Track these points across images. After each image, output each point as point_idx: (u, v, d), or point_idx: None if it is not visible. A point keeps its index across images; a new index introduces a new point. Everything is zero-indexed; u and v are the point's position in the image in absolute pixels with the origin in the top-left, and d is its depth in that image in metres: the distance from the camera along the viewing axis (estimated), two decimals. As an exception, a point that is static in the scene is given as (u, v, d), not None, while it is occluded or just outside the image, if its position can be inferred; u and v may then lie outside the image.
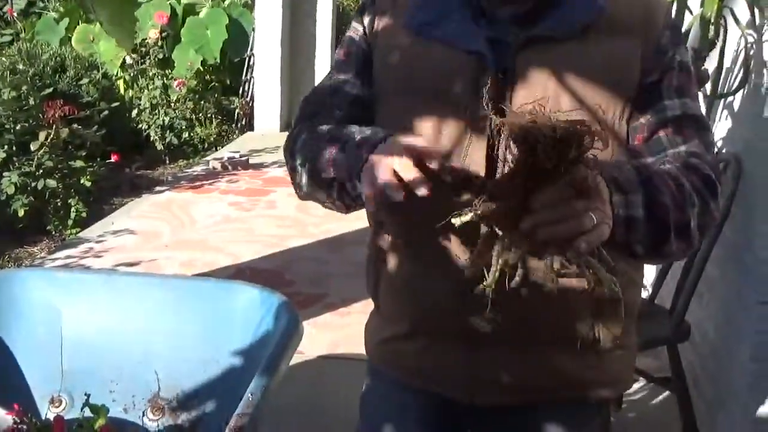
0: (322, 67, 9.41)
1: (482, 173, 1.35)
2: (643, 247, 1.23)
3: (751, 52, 2.63)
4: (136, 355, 2.23)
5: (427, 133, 1.39)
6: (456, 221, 1.10)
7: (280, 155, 7.68)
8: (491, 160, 1.35)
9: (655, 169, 1.28)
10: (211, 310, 2.24)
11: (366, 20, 1.52)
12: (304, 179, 1.45)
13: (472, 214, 1.08)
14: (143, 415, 2.18)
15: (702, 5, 2.53)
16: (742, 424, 2.60)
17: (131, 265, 4.90)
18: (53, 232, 5.63)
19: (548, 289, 1.16)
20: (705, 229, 1.31)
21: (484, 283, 1.11)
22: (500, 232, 1.08)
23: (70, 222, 5.62)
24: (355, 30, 1.54)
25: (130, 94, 8.24)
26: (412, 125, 1.42)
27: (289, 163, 1.54)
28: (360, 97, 1.51)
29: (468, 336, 1.43)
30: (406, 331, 1.53)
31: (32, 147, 5.53)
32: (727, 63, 2.79)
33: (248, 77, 9.36)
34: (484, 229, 1.12)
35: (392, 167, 1.21)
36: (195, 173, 7.28)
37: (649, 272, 3.31)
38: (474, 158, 1.36)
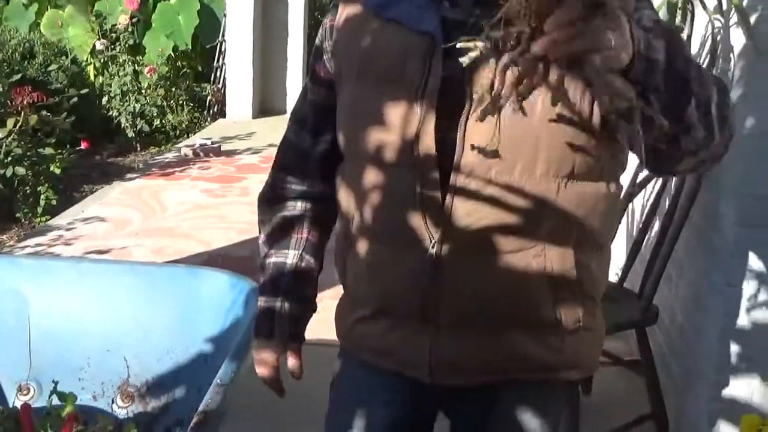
0: (294, 53, 9.40)
1: (433, 154, 1.36)
2: (660, 101, 1.15)
3: (719, 38, 2.64)
4: (105, 343, 2.22)
5: (379, 114, 1.40)
6: (464, 60, 1.05)
7: (252, 142, 7.65)
8: (441, 142, 1.36)
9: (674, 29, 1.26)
10: (180, 297, 2.24)
11: (329, 22, 1.53)
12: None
13: (482, 44, 1.03)
14: (112, 403, 2.18)
15: (669, -10, 2.55)
16: (709, 405, 2.63)
17: (101, 252, 4.87)
18: (22, 220, 5.59)
19: (510, 271, 1.17)
20: (725, 126, 1.25)
21: (487, 104, 1.05)
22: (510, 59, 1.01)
23: (39, 209, 5.58)
24: (322, 33, 1.55)
25: (101, 81, 8.19)
26: (366, 108, 1.43)
27: (258, 214, 1.73)
28: (325, 104, 1.56)
29: (430, 317, 1.44)
30: (371, 313, 1.54)
31: (0, 134, 5.47)
32: (694, 49, 2.81)
33: (220, 63, 9.32)
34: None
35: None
36: (166, 160, 7.25)
37: (619, 256, 3.34)
38: (425, 140, 1.36)
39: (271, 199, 1.68)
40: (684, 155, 1.25)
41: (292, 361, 1.61)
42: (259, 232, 1.70)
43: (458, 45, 1.05)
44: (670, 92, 1.16)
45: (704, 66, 2.65)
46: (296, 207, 1.65)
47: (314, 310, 1.68)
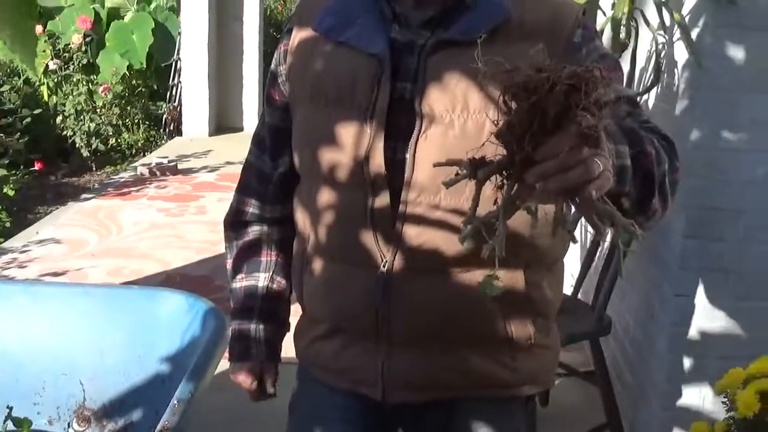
0: (250, 70, 9.40)
1: (383, 173, 1.38)
2: (630, 201, 1.21)
3: (663, 53, 2.71)
4: (60, 366, 2.20)
5: (331, 135, 1.43)
6: (447, 181, 1.05)
7: (209, 160, 7.60)
8: (391, 162, 1.39)
9: (631, 125, 1.28)
10: (136, 318, 2.23)
11: (283, 47, 1.55)
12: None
13: (467, 171, 1.03)
14: (69, 427, 2.16)
15: (613, 7, 2.60)
16: (661, 414, 2.68)
17: (57, 274, 4.82)
18: (-25, 243, 5.51)
19: (461, 290, 1.18)
20: (675, 187, 1.30)
21: (492, 241, 1.04)
22: (500, 189, 1.03)
23: (-7, 232, 5.51)
24: (276, 58, 1.58)
25: (54, 101, 8.11)
26: (319, 129, 1.46)
27: (225, 239, 1.73)
28: (282, 126, 1.58)
29: (382, 335, 1.46)
30: (326, 331, 1.55)
31: (-48, 156, 5.41)
32: (640, 63, 2.87)
33: (176, 82, 9.28)
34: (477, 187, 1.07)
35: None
36: (122, 180, 7.20)
37: (573, 267, 3.38)
38: (375, 160, 1.39)
39: (236, 222, 1.69)
40: (647, 219, 1.29)
41: (268, 384, 1.68)
42: (227, 257, 1.72)
43: (443, 183, 1.06)
44: (638, 190, 1.21)
45: (648, 81, 2.71)
46: (262, 231, 1.67)
47: (288, 329, 1.71)
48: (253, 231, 1.68)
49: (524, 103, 0.95)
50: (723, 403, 1.63)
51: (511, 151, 0.99)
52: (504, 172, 1.01)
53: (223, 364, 1.96)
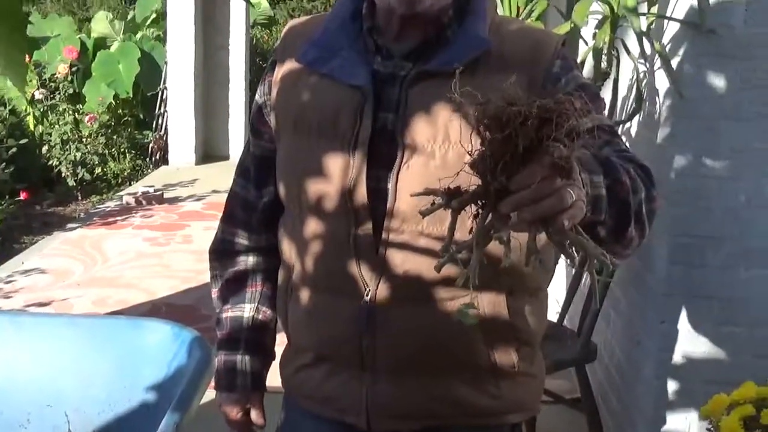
0: (236, 99, 9.42)
1: (366, 203, 1.39)
2: (605, 230, 1.22)
3: (644, 82, 2.74)
4: (45, 397, 2.18)
5: (314, 166, 1.44)
6: (423, 211, 1.07)
7: (195, 189, 7.58)
8: (375, 191, 1.40)
9: (608, 155, 1.29)
10: (121, 349, 2.21)
11: (268, 78, 1.57)
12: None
13: (444, 200, 1.04)
14: (54, 458, 2.14)
15: (594, 37, 2.63)
16: (648, 440, 2.68)
17: (42, 305, 4.80)
18: (-40, 274, 5.48)
19: (444, 318, 1.19)
20: (653, 216, 1.30)
21: (466, 271, 1.04)
22: (476, 218, 1.04)
23: (-23, 262, 5.48)
24: (261, 89, 1.59)
25: (40, 130, 8.10)
26: (303, 160, 1.47)
27: (210, 269, 1.73)
28: (267, 156, 1.59)
29: (367, 364, 1.46)
30: (311, 360, 1.56)
31: (-63, 187, 5.39)
32: (622, 92, 2.90)
33: (162, 111, 9.29)
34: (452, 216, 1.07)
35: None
36: (108, 209, 7.18)
37: (558, 293, 3.39)
38: (358, 190, 1.40)
39: (221, 252, 1.70)
40: (623, 249, 1.30)
41: (254, 413, 1.67)
42: (212, 287, 1.72)
43: (420, 212, 1.07)
44: (613, 219, 1.21)
45: (630, 109, 2.74)
46: (248, 261, 1.68)
47: (274, 358, 1.72)
48: (239, 261, 1.68)
49: (497, 135, 0.97)
50: (708, 429, 1.64)
51: (485, 182, 1.01)
52: (479, 201, 1.03)
53: (209, 394, 1.95)
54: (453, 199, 1.04)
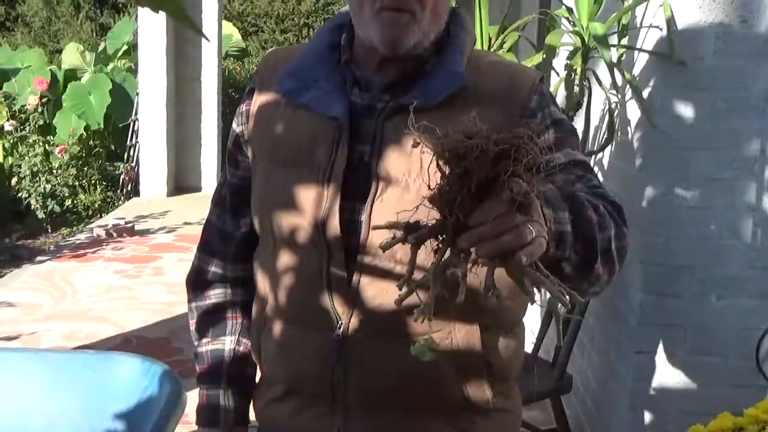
0: (208, 131, 9.40)
1: (339, 235, 1.38)
2: (571, 266, 1.20)
3: (616, 113, 2.76)
4: (12, 434, 2.14)
5: (288, 197, 1.43)
6: (383, 245, 1.05)
7: (166, 221, 7.53)
8: (349, 224, 1.38)
9: (575, 190, 1.28)
10: (91, 383, 2.18)
11: (244, 107, 1.56)
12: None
13: (402, 235, 1.03)
14: (19, 498, 2.09)
15: (566, 68, 2.65)
16: (624, 471, 2.67)
17: (10, 339, 4.72)
18: (-74, 308, 5.39)
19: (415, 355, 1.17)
20: (623, 253, 1.28)
21: (423, 305, 1.03)
22: (434, 252, 1.03)
23: (-56, 296, 5.40)
24: (237, 119, 1.58)
25: (10, 162, 8.03)
26: (277, 191, 1.45)
27: (187, 300, 1.71)
28: (243, 186, 1.57)
29: (338, 398, 1.44)
30: (281, 393, 1.53)
31: None
32: (594, 122, 2.92)
33: (133, 142, 9.26)
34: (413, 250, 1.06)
35: None
36: (78, 241, 7.11)
37: (533, 324, 3.39)
38: (332, 222, 1.39)
39: (198, 282, 1.67)
40: (590, 285, 1.28)
41: None
42: (190, 318, 1.69)
43: (380, 246, 1.06)
44: (579, 255, 1.19)
45: (602, 139, 2.76)
46: (226, 292, 1.65)
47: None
48: (216, 293, 1.66)
49: (455, 169, 0.96)
50: (684, 460, 1.63)
51: (444, 216, 0.99)
52: (438, 236, 1.01)
53: (180, 429, 1.92)
54: (411, 233, 1.03)
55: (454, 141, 0.95)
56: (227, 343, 1.65)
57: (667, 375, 2.59)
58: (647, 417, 2.63)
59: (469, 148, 0.94)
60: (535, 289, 1.01)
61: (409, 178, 1.36)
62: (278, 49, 1.62)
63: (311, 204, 1.40)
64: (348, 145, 1.39)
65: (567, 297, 1.02)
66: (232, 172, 1.61)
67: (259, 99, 1.53)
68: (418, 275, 1.05)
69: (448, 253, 1.01)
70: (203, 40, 9.05)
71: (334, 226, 1.38)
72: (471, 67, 1.44)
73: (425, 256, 1.32)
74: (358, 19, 1.42)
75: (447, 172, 0.98)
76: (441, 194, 0.99)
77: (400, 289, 1.05)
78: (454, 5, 1.52)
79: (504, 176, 0.95)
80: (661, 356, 2.58)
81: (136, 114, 9.19)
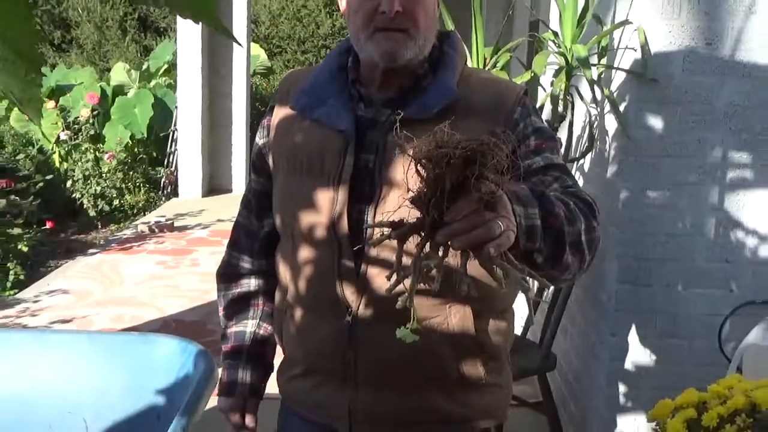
0: (238, 139, 9.41)
1: (348, 233, 1.39)
2: (542, 256, 1.19)
3: (595, 124, 2.75)
4: (65, 405, 2.15)
5: (304, 200, 1.44)
6: (373, 241, 1.06)
7: (202, 218, 7.54)
8: (357, 223, 1.39)
9: (544, 189, 1.28)
10: (134, 361, 2.18)
11: (266, 122, 1.57)
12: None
13: (388, 232, 1.04)
14: (73, 461, 2.10)
15: (552, 85, 2.64)
16: (602, 439, 2.66)
17: (65, 321, 4.74)
18: (-8, 294, 5.42)
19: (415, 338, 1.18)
20: (593, 244, 1.28)
21: (404, 295, 1.03)
22: (415, 247, 1.03)
23: (8, 284, 5.42)
24: (260, 132, 1.59)
25: (65, 167, 8.06)
26: (294, 195, 1.46)
27: (217, 289, 1.72)
28: (265, 191, 1.59)
29: (349, 376, 1.45)
30: (301, 371, 1.54)
31: (-29, 217, 5.34)
32: (576, 132, 2.91)
33: (172, 149, 9.27)
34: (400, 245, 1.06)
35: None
36: (124, 236, 7.13)
37: (521, 310, 3.38)
38: (341, 222, 1.39)
39: (227, 275, 1.69)
40: (562, 272, 1.27)
41: (248, 418, 1.66)
42: (219, 305, 1.71)
43: (369, 244, 1.08)
44: (549, 247, 1.19)
45: (583, 147, 2.75)
46: (250, 284, 1.67)
47: (272, 369, 1.71)
48: (243, 283, 1.67)
49: (431, 173, 0.97)
50: (654, 429, 1.62)
51: (423, 215, 1.00)
52: (419, 232, 1.02)
53: (212, 401, 1.93)
54: (395, 230, 1.03)
55: (428, 149, 0.96)
56: (249, 326, 1.66)
57: (639, 355, 2.58)
58: (622, 391, 2.62)
59: (441, 155, 0.95)
60: (503, 276, 1.01)
61: (409, 182, 1.36)
62: (294, 71, 1.63)
63: (324, 206, 1.40)
64: (354, 155, 1.40)
65: (528, 284, 1.03)
66: (256, 179, 1.62)
67: (278, 114, 1.54)
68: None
69: (428, 246, 1.02)
70: (234, 58, 9.07)
71: (344, 225, 1.39)
72: (463, 82, 1.43)
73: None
74: (358, 43, 1.42)
75: (425, 176, 0.98)
76: (420, 196, 1.00)
77: (389, 280, 1.05)
78: (452, 29, 1.52)
79: (472, 178, 0.95)
80: (634, 339, 2.57)
81: (174, 125, 9.20)
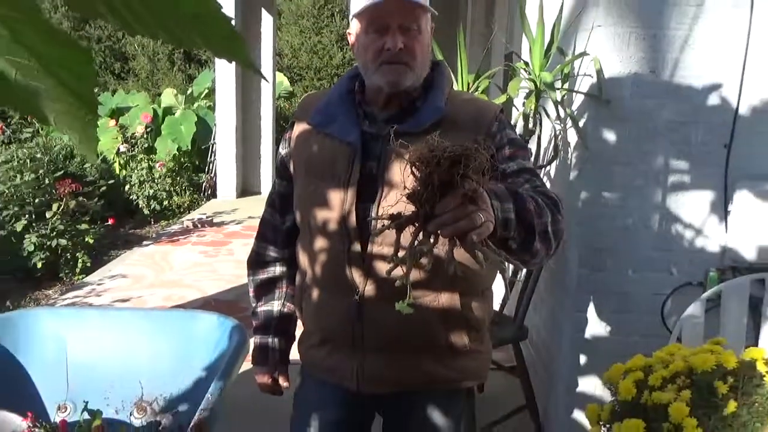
0: (266, 151, 9.40)
1: (355, 227, 1.38)
2: (516, 243, 1.19)
3: (560, 137, 2.74)
4: (124, 370, 2.15)
5: (319, 200, 1.44)
6: (375, 231, 1.06)
7: (236, 215, 7.54)
8: (362, 218, 1.40)
9: (518, 188, 1.28)
10: (180, 333, 2.19)
11: (288, 135, 1.57)
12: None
13: (388, 223, 1.04)
14: (130, 415, 2.10)
15: (524, 105, 2.64)
16: (565, 397, 2.66)
17: (124, 301, 4.74)
18: (64, 279, 5.41)
19: (415, 312, 1.18)
20: (558, 234, 1.27)
21: (402, 274, 1.03)
22: (411, 235, 1.03)
23: (77, 270, 5.42)
24: (283, 144, 1.59)
25: (124, 174, 8.04)
26: (311, 195, 1.46)
27: (247, 275, 1.71)
28: (287, 193, 1.58)
29: (357, 345, 1.45)
30: (317, 341, 1.54)
31: (47, 215, 5.34)
32: (544, 144, 2.90)
33: (212, 159, 9.25)
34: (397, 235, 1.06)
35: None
36: (173, 231, 7.12)
37: (499, 289, 3.37)
38: (350, 217, 1.40)
39: (256, 263, 1.69)
40: (532, 257, 1.26)
41: (281, 379, 1.68)
42: (249, 288, 1.71)
43: (373, 234, 1.09)
44: (521, 236, 1.18)
45: (549, 156, 2.74)
46: (275, 270, 1.67)
47: (294, 340, 1.71)
48: (269, 269, 1.67)
49: (423, 173, 0.97)
50: (608, 388, 1.62)
51: (417, 208, 1.00)
52: (414, 223, 1.02)
53: (245, 366, 1.92)
54: (393, 222, 1.03)
55: (421, 153, 0.97)
56: (275, 305, 1.66)
57: (597, 328, 2.58)
58: (582, 358, 2.61)
59: (431, 157, 0.95)
60: (484, 259, 1.02)
61: (407, 184, 1.35)
62: (311, 94, 1.64)
63: (336, 204, 1.41)
64: (360, 162, 1.40)
65: (505, 265, 1.03)
66: (279, 183, 1.62)
67: (297, 129, 1.53)
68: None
69: (421, 235, 1.02)
70: (262, 84, 9.05)
71: (352, 220, 1.39)
72: (450, 102, 1.43)
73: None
74: (366, 72, 1.42)
75: (418, 176, 0.99)
76: (414, 192, 1.00)
77: (389, 264, 1.05)
78: (440, 58, 1.51)
79: (457, 177, 0.96)
80: (592, 314, 2.57)
81: (214, 139, 9.19)
